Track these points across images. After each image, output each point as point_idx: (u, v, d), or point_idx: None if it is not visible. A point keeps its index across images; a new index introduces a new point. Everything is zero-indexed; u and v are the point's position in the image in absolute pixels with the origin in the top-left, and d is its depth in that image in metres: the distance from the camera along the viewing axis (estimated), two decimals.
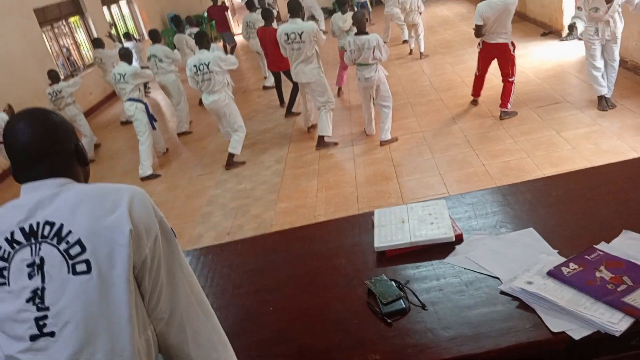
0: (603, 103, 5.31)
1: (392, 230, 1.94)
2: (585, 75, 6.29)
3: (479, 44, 5.85)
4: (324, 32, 6.82)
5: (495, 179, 4.46)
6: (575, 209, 1.92)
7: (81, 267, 1.19)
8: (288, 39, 5.81)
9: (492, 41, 5.55)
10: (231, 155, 6.06)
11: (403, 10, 9.04)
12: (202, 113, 8.49)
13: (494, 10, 5.32)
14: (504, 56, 5.57)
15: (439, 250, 1.82)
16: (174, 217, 5.18)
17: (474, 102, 6.30)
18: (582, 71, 6.47)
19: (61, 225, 1.22)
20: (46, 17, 9.93)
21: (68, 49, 10.95)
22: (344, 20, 7.12)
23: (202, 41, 5.84)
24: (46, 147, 1.29)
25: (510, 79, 5.57)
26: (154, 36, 7.71)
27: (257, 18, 8.29)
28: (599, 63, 5.26)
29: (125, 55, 6.40)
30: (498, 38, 5.51)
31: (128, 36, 11.09)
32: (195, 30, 8.33)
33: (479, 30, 5.55)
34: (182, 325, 1.31)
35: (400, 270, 1.78)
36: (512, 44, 5.58)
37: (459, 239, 1.85)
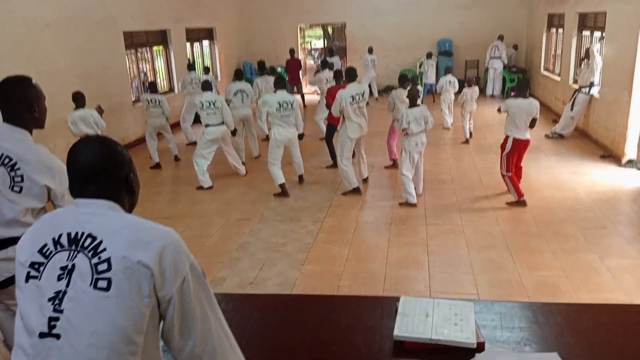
0: None
1: (414, 321, 1.93)
2: (638, 206, 6.18)
3: (507, 144, 6.24)
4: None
5: (528, 291, 4.35)
6: (603, 344, 1.87)
7: (102, 284, 1.28)
8: (353, 100, 6.65)
9: (524, 137, 6.17)
10: (301, 177, 7.55)
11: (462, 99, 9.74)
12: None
13: (521, 108, 6.10)
14: (526, 150, 6.34)
15: (458, 353, 1.79)
16: (204, 255, 5.26)
17: (523, 203, 6.26)
18: (636, 201, 6.36)
19: (100, 241, 1.33)
20: (133, 41, 10.61)
21: (146, 74, 11.61)
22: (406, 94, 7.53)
23: (282, 83, 6.92)
24: (99, 172, 1.43)
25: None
26: (239, 75, 8.97)
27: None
28: None
29: (208, 86, 7.37)
30: (527, 134, 6.17)
31: (207, 70, 11.86)
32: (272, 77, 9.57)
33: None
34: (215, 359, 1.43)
35: None
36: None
37: (481, 347, 1.82)
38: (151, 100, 8.35)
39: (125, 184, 1.48)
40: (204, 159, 7.34)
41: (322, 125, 9.79)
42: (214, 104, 7.18)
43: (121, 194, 1.48)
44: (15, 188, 2.52)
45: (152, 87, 8.74)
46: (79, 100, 6.84)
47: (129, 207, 1.53)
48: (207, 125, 7.26)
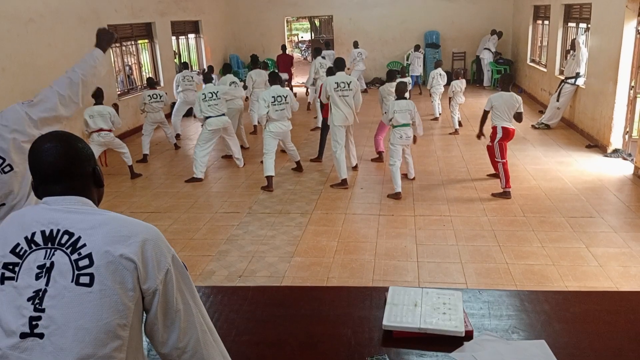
0: None
1: (403, 311, 1.93)
2: (624, 195, 6.24)
3: (497, 133, 6.36)
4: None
5: (516, 280, 4.39)
6: (590, 331, 1.88)
7: (84, 279, 1.27)
8: (338, 87, 6.82)
9: (510, 127, 6.35)
10: (299, 163, 7.59)
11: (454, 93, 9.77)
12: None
13: (502, 101, 6.31)
14: (511, 138, 6.51)
15: (447, 342, 1.79)
16: (191, 248, 5.23)
17: (508, 195, 6.30)
18: (622, 190, 6.43)
19: (78, 237, 1.32)
20: (117, 35, 10.46)
21: (131, 68, 11.48)
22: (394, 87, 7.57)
23: (276, 79, 7.07)
24: (66, 168, 1.42)
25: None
26: (228, 68, 9.53)
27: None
28: None
29: (209, 78, 7.79)
30: (511, 124, 6.36)
31: (210, 69, 11.74)
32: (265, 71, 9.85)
33: (485, 115, 6.61)
34: (199, 353, 1.42)
35: (403, 354, 1.76)
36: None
37: (469, 335, 1.82)
38: (153, 95, 8.51)
39: (93, 177, 1.49)
40: (204, 150, 7.46)
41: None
42: (216, 95, 7.42)
43: (90, 189, 1.48)
44: (5, 169, 2.50)
45: (151, 83, 8.99)
46: (99, 96, 7.15)
47: (98, 199, 1.53)
48: (207, 117, 7.44)
